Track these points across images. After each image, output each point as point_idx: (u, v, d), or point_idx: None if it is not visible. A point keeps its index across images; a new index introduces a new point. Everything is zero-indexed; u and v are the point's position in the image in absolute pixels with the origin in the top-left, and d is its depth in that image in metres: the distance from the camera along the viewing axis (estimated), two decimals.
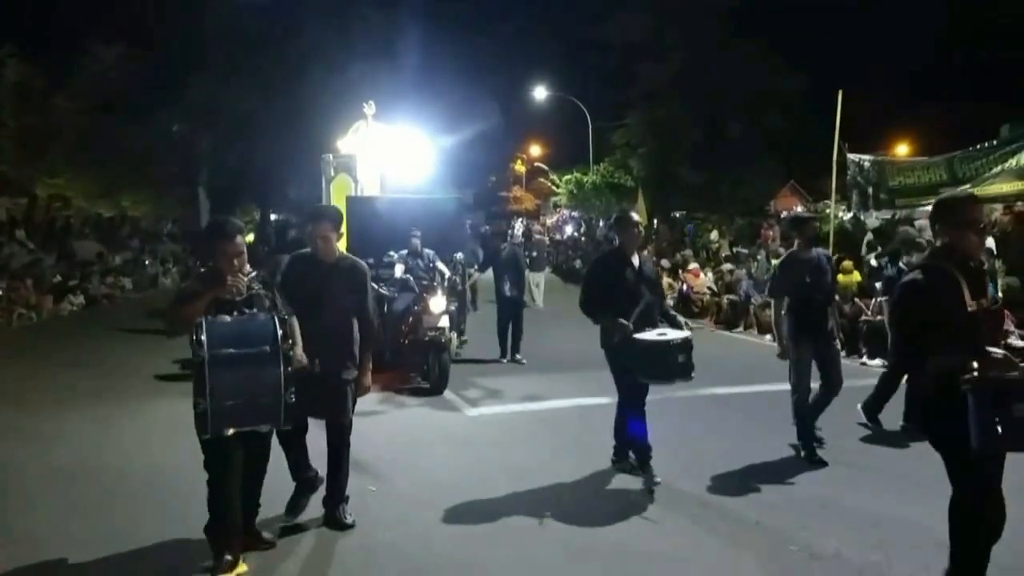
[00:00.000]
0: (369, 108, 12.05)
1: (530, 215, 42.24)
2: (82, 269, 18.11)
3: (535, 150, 46.72)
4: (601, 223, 29.36)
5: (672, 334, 5.40)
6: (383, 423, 7.31)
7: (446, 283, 9.36)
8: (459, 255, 10.31)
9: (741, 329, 13.58)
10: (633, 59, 27.82)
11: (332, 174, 11.88)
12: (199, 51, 25.80)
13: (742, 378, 9.15)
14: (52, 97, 23.02)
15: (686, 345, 5.32)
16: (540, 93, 35.34)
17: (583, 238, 30.04)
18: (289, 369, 3.74)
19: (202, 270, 4.25)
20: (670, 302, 16.37)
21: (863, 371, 10.03)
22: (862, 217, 15.87)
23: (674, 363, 5.25)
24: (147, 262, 22.08)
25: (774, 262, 15.21)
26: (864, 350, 10.59)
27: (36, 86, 22.42)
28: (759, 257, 16.08)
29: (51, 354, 11.39)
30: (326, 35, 26.81)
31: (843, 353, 10.90)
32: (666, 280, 16.78)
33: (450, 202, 12.71)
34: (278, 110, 25.98)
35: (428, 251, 9.59)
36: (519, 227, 26.34)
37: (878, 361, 10.22)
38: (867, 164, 15.17)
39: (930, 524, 4.75)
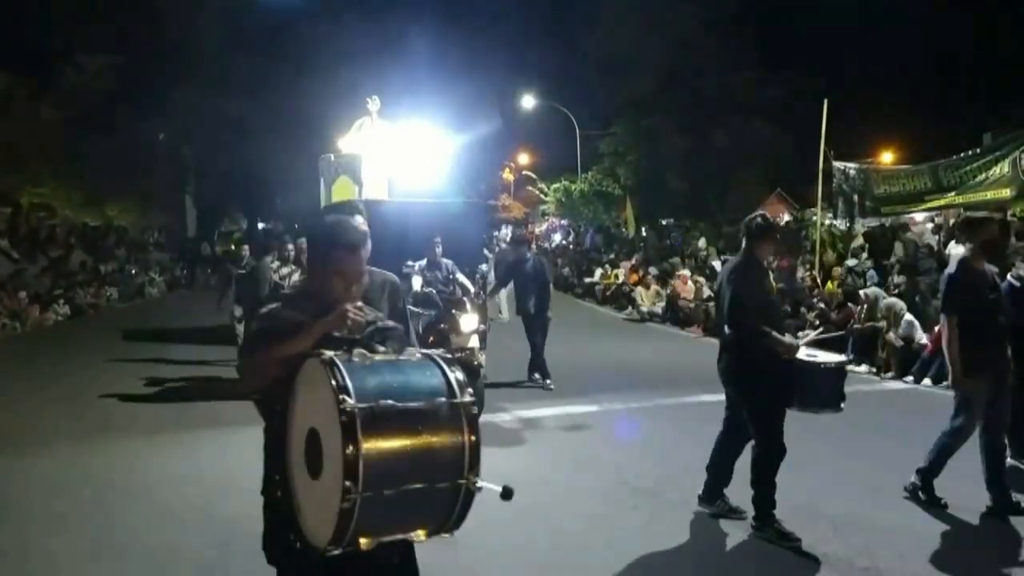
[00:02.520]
0: (373, 103, 10.87)
1: (518, 223, 42.21)
2: (68, 279, 17.97)
3: (523, 158, 46.80)
4: (590, 231, 29.47)
5: (830, 356, 4.93)
6: None
7: (472, 298, 8.35)
8: (484, 267, 9.25)
9: None
10: (620, 68, 28.00)
11: (333, 176, 10.76)
12: (186, 58, 25.72)
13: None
14: (36, 106, 22.91)
15: (845, 370, 4.96)
16: (528, 102, 35.44)
17: (571, 246, 30.09)
18: (474, 438, 2.37)
19: (286, 290, 2.82)
20: (658, 310, 16.55)
21: (849, 377, 10.07)
22: (854, 225, 15.96)
23: (840, 389, 4.68)
24: (133, 272, 21.94)
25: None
26: (851, 357, 10.62)
27: (19, 95, 22.31)
28: None
29: (29, 372, 10.64)
30: (316, 36, 26.78)
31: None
32: (654, 288, 16.83)
33: (467, 207, 11.19)
34: (269, 114, 25.88)
35: (447, 262, 8.57)
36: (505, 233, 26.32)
37: (864, 368, 10.26)
38: (852, 172, 15.29)
39: (917, 531, 4.79)
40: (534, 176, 40.50)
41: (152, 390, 9.05)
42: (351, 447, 2.15)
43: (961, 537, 4.72)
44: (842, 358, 4.98)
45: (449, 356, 2.52)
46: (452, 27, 28.14)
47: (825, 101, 13.40)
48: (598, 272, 21.43)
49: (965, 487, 5.15)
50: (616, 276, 20.10)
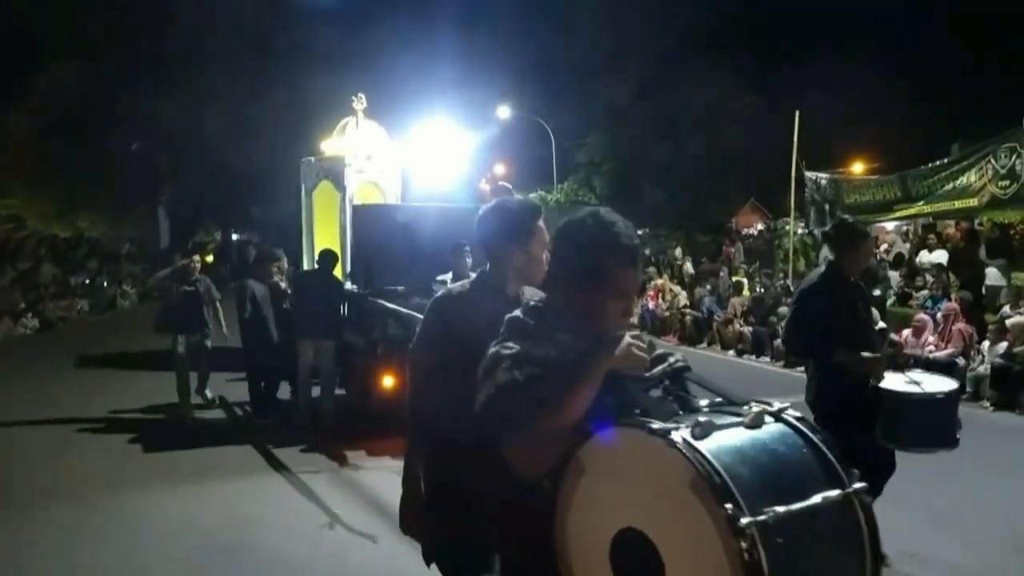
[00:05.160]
0: (359, 102, 10.16)
1: None
2: (37, 292, 17.69)
3: (498, 169, 46.93)
4: None
5: (937, 382, 3.99)
6: None
7: None
8: None
9: (704, 345, 13.73)
10: (595, 78, 28.23)
11: (314, 181, 9.98)
12: (159, 66, 25.46)
13: (708, 394, 9.20)
14: (5, 115, 22.60)
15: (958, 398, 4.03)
16: (503, 112, 35.53)
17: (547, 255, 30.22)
18: (877, 545, 1.64)
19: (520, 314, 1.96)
20: (634, 320, 16.60)
21: None
22: (820, 233, 16.23)
23: (954, 422, 3.85)
24: (105, 283, 21.66)
25: (735, 279, 15.52)
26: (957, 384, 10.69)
27: None
28: (721, 274, 16.32)
29: None
30: (294, 41, 26.58)
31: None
32: None
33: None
34: (246, 121, 25.63)
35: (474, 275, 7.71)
36: None
37: None
38: (824, 182, 15.52)
39: (898, 535, 4.84)
40: (509, 187, 40.55)
41: (117, 421, 8.31)
42: None
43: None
44: (953, 384, 4.06)
45: (798, 414, 1.74)
46: (424, 39, 28.12)
47: (797, 112, 13.62)
48: None
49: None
50: None
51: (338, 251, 9.51)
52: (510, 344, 1.81)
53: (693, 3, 26.68)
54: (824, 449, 1.67)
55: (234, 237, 30.94)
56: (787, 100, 17.88)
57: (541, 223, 2.58)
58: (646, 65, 27.04)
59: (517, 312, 1.93)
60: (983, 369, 8.83)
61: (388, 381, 7.26)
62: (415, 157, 10.44)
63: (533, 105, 34.15)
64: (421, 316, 7.26)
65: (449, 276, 7.13)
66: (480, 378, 1.83)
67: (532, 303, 1.98)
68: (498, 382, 1.76)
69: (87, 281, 21.05)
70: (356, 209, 8.87)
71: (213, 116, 25.29)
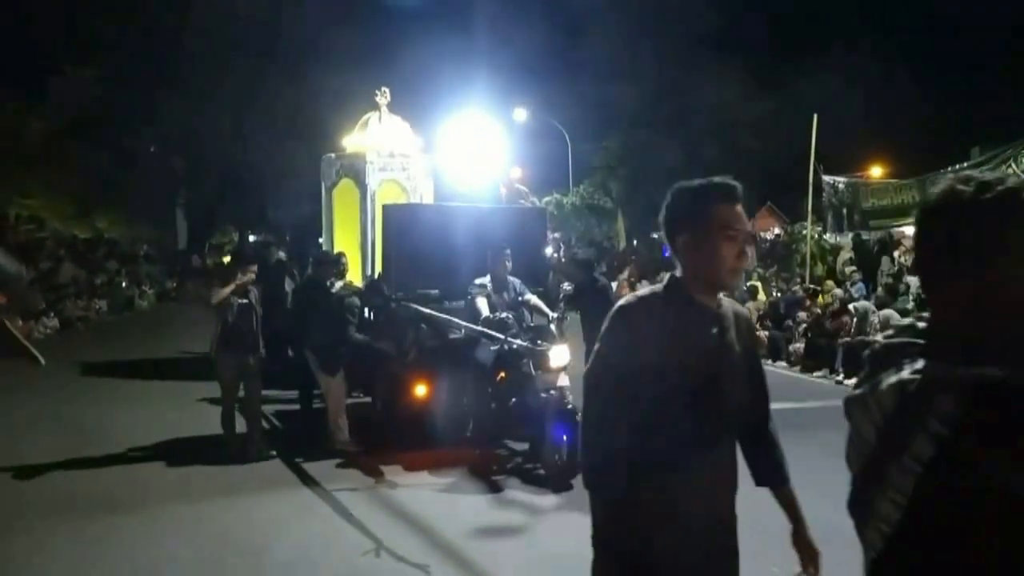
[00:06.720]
0: (383, 96, 9.75)
1: None
2: (57, 292, 17.87)
3: (514, 172, 46.93)
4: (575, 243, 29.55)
5: None
6: (504, 540, 5.14)
7: (559, 324, 6.96)
8: (567, 285, 7.80)
9: None
10: (610, 81, 28.22)
11: (334, 179, 9.57)
12: (176, 68, 25.66)
13: None
14: (24, 117, 22.88)
15: None
16: (519, 115, 35.55)
17: (563, 259, 30.13)
18: None
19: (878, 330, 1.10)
20: None
21: (840, 390, 10.10)
22: (837, 238, 16.11)
23: None
24: (123, 284, 21.88)
25: (750, 283, 15.42)
26: (840, 369, 10.69)
27: (8, 108, 22.28)
28: None
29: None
30: (310, 39, 26.67)
31: (823, 372, 11.12)
32: None
33: (522, 213, 9.57)
34: (263, 121, 25.76)
35: (514, 280, 7.11)
36: None
37: (853, 381, 10.28)
38: (841, 186, 15.44)
39: None
40: (525, 189, 40.59)
41: (140, 427, 7.86)
42: None
43: None
44: None
45: None
46: (441, 40, 28.16)
47: (815, 116, 13.54)
48: None
49: None
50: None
51: (358, 252, 9.28)
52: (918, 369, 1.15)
53: (709, 7, 26.62)
54: None
55: (251, 239, 31.12)
56: (804, 103, 17.78)
57: (739, 208, 2.05)
58: (661, 68, 27.00)
59: (879, 339, 1.33)
60: None
61: (420, 390, 7.01)
62: (446, 156, 10.10)
63: (548, 108, 34.18)
64: (457, 320, 6.86)
65: (488, 279, 6.95)
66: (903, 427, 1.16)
67: (919, 322, 1.30)
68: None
69: (107, 281, 21.27)
70: (386, 209, 8.39)
71: (230, 117, 25.48)
